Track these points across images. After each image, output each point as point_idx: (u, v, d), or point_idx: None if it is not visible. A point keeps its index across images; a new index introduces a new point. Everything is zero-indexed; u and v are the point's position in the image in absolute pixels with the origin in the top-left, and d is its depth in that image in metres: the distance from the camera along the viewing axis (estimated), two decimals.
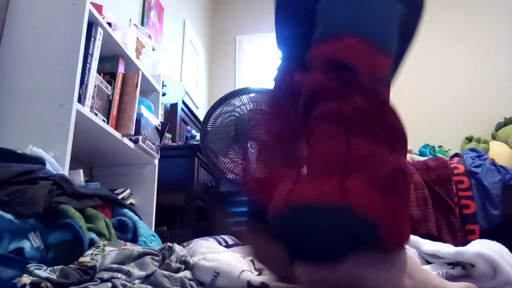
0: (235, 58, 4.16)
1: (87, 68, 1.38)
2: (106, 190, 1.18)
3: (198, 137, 2.51)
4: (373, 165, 0.58)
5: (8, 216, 0.79)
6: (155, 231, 1.76)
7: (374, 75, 0.62)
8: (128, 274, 0.77)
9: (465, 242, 2.04)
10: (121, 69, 1.64)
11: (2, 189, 0.85)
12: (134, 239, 1.13)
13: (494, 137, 3.35)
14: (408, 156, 2.42)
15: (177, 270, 0.88)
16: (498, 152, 3.04)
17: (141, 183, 1.81)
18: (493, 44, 3.74)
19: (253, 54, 4.22)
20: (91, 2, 1.41)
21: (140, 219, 1.22)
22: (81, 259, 0.77)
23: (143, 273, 0.80)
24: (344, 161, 0.58)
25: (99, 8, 1.49)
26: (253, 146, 1.69)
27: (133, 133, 1.62)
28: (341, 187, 0.55)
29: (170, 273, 0.84)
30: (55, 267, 0.72)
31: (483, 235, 2.08)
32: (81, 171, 1.45)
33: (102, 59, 1.53)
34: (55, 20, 1.37)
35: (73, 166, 1.35)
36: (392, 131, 0.62)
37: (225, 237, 1.56)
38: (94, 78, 1.42)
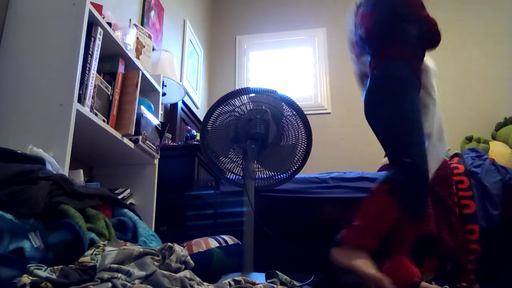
0: (235, 58, 4.16)
1: (87, 68, 1.38)
2: (106, 190, 1.18)
3: (198, 137, 2.51)
4: None
5: (8, 216, 0.79)
6: (155, 231, 1.76)
7: None
8: (128, 274, 0.77)
9: (465, 242, 2.05)
10: (121, 69, 1.64)
11: (2, 189, 0.85)
12: (134, 239, 1.13)
13: (494, 137, 3.35)
14: None
15: (177, 270, 0.88)
16: (498, 152, 3.04)
17: (141, 183, 1.81)
18: (493, 44, 3.74)
19: (253, 54, 4.22)
20: (91, 2, 1.40)
21: (140, 219, 1.22)
22: (81, 259, 0.77)
23: (143, 273, 0.80)
24: None
25: (99, 8, 1.49)
26: (253, 146, 1.69)
27: (133, 133, 1.62)
28: None
29: (170, 273, 0.84)
30: (55, 267, 0.72)
31: (483, 235, 2.09)
32: (81, 171, 1.45)
33: (102, 59, 1.53)
34: (55, 20, 1.37)
35: (73, 166, 1.35)
36: None
37: (225, 237, 1.57)
38: (94, 78, 1.42)
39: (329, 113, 3.84)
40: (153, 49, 2.49)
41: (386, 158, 3.00)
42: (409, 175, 1.53)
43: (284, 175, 1.85)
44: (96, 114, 1.44)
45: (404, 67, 1.68)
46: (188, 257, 0.96)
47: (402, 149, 1.59)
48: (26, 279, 0.66)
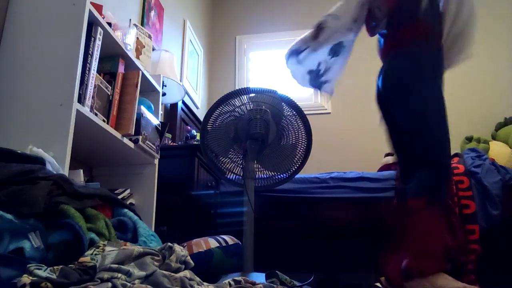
0: (235, 58, 4.16)
1: (87, 68, 1.38)
2: (106, 190, 1.18)
3: (198, 137, 2.51)
4: None
5: (8, 216, 0.79)
6: (155, 231, 1.76)
7: None
8: (128, 274, 0.77)
9: (465, 242, 2.05)
10: (121, 69, 1.64)
11: (2, 189, 0.85)
12: (134, 239, 1.13)
13: (494, 137, 3.35)
14: None
15: (177, 270, 0.88)
16: (498, 152, 3.04)
17: (141, 183, 1.81)
18: (493, 44, 3.74)
19: (253, 54, 4.22)
20: (91, 2, 1.40)
21: (140, 219, 1.22)
22: (81, 259, 0.77)
23: (143, 273, 0.80)
24: None
25: (99, 8, 1.49)
26: (253, 146, 1.69)
27: (133, 133, 1.62)
28: None
29: (170, 273, 0.84)
30: (55, 267, 0.72)
31: (483, 235, 2.09)
32: (81, 171, 1.45)
33: (102, 59, 1.53)
34: (55, 20, 1.37)
35: (73, 166, 1.35)
36: None
37: (225, 237, 1.57)
38: (94, 78, 1.42)
39: (329, 113, 3.84)
40: (153, 49, 2.49)
41: (386, 158, 3.01)
42: (442, 177, 1.44)
43: (284, 175, 1.85)
44: (96, 114, 1.44)
45: (428, 48, 1.52)
46: (188, 257, 0.96)
47: (430, 147, 1.45)
48: (26, 279, 0.66)
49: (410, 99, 1.52)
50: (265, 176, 1.83)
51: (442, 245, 1.43)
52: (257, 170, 1.77)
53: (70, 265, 0.75)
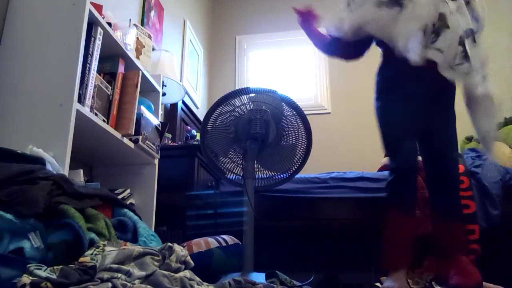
0: (235, 58, 4.16)
1: (87, 68, 1.38)
2: (106, 190, 1.18)
3: (198, 137, 2.51)
4: None
5: (8, 216, 0.79)
6: (155, 231, 1.76)
7: None
8: (128, 274, 0.77)
9: (465, 242, 2.05)
10: (121, 69, 1.64)
11: (2, 189, 0.85)
12: (134, 239, 1.13)
13: None
14: None
15: (177, 270, 0.88)
16: (498, 152, 3.04)
17: (141, 183, 1.81)
18: (493, 44, 3.74)
19: (253, 54, 4.22)
20: (91, 2, 1.40)
21: (140, 219, 1.22)
22: (81, 259, 0.77)
23: (143, 273, 0.80)
24: None
25: (99, 8, 1.49)
26: (253, 146, 1.69)
27: (133, 133, 1.62)
28: None
29: (170, 273, 0.84)
30: (55, 267, 0.72)
31: (483, 235, 2.09)
32: (81, 171, 1.45)
33: (102, 59, 1.53)
34: (55, 20, 1.37)
35: (73, 166, 1.35)
36: None
37: (225, 237, 1.57)
38: (94, 78, 1.42)
39: (329, 113, 3.84)
40: (153, 49, 2.49)
41: (386, 158, 3.01)
42: (398, 182, 1.64)
43: (284, 175, 1.85)
44: (96, 114, 1.44)
45: (385, 65, 1.77)
46: (188, 257, 0.96)
47: (388, 153, 1.72)
48: (26, 279, 0.66)
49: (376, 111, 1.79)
50: (265, 176, 1.83)
51: (397, 247, 1.59)
52: (257, 170, 1.77)
53: (70, 265, 0.75)
